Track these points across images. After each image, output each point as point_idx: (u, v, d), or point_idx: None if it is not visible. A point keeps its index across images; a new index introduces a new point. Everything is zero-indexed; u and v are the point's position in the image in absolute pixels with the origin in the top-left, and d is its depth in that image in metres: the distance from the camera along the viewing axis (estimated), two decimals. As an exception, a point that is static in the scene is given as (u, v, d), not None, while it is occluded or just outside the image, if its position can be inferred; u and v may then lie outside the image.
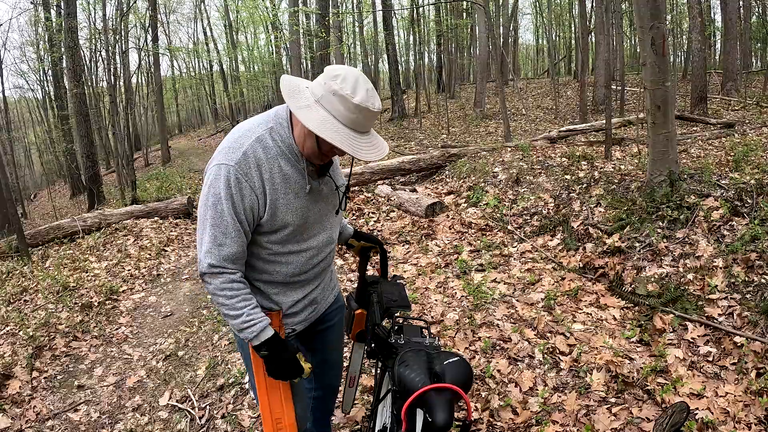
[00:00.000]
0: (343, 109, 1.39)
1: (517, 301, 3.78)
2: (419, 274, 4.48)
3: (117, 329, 4.40)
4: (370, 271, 3.08)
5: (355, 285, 2.11)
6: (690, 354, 2.93)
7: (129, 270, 5.73)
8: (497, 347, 3.23)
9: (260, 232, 1.57)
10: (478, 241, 5.08)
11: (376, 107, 1.42)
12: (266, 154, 1.50)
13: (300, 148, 1.53)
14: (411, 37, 22.48)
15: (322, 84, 1.42)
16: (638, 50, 13.12)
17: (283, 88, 1.46)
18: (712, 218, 3.83)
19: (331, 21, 13.97)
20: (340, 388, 2.26)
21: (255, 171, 1.48)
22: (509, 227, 5.28)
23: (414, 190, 7.03)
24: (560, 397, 2.72)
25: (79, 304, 4.72)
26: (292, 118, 1.54)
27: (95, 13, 14.01)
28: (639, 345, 3.11)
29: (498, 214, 5.62)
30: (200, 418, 3.01)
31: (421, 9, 20.64)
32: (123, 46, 12.53)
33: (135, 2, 14.42)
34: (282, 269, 1.64)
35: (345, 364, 2.24)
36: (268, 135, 1.52)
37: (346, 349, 2.63)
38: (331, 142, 1.38)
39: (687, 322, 3.15)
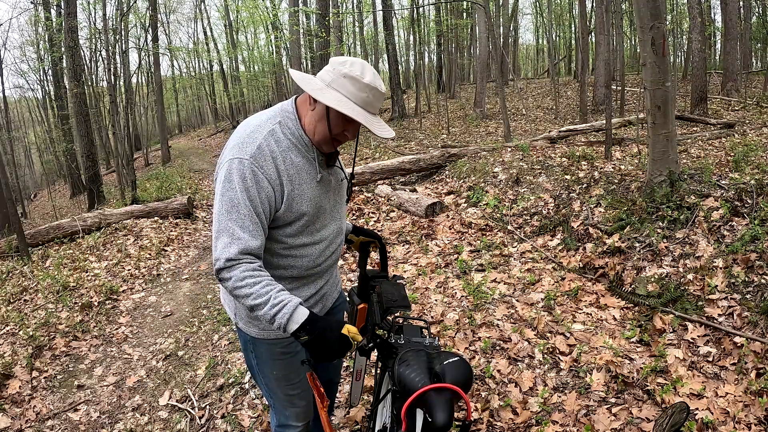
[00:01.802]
0: (355, 89, 1.47)
1: (517, 301, 3.78)
2: (419, 274, 4.48)
3: (117, 329, 4.40)
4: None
5: (356, 282, 2.12)
6: (690, 354, 2.93)
7: (129, 270, 5.73)
8: (497, 347, 3.23)
9: (275, 225, 1.57)
10: (478, 241, 5.08)
11: (383, 89, 1.53)
12: (279, 146, 1.53)
13: (311, 136, 1.57)
14: (411, 37, 22.48)
15: (331, 71, 1.51)
16: (638, 50, 13.12)
17: (295, 77, 1.53)
18: (712, 218, 3.83)
19: (331, 21, 13.96)
20: (347, 383, 2.26)
21: (271, 163, 1.50)
22: (509, 227, 5.28)
23: (414, 190, 7.03)
24: (560, 397, 2.72)
25: (79, 304, 4.73)
26: (299, 110, 1.59)
27: (95, 13, 14.05)
28: (639, 345, 3.11)
29: (498, 214, 5.62)
30: (200, 418, 3.01)
31: (421, 9, 20.65)
32: (123, 46, 12.53)
33: (135, 2, 14.42)
34: (297, 263, 1.64)
35: (345, 363, 2.24)
36: (279, 128, 1.55)
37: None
38: (349, 114, 1.45)
39: (687, 322, 3.15)
